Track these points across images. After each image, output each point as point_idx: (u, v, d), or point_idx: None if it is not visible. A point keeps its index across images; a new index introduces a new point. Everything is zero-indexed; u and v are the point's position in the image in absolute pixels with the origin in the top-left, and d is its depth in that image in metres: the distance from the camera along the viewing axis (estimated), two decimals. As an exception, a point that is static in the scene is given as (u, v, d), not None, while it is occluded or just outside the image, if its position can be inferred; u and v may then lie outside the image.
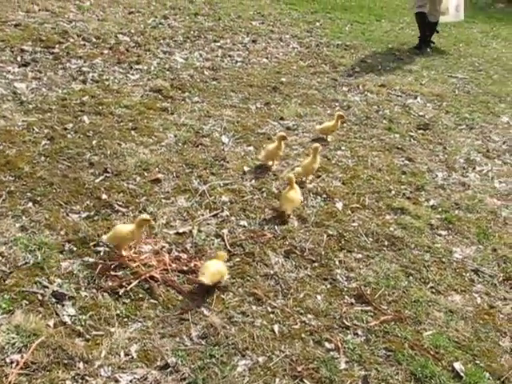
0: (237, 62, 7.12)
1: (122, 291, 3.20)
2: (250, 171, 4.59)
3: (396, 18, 11.17)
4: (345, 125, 5.72)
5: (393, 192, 4.65)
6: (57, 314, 2.99)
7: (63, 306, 3.05)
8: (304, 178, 4.57)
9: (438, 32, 9.36)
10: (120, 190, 4.09)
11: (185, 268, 3.44)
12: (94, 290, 3.19)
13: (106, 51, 6.74)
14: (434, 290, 3.61)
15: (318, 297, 3.39)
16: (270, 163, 4.68)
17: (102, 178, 4.21)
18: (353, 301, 3.41)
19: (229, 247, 3.67)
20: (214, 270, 3.26)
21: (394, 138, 5.67)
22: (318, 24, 9.66)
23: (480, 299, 3.62)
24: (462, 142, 5.85)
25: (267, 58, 7.48)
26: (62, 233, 3.58)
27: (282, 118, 5.63)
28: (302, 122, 5.66)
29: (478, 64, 8.98)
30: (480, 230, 4.33)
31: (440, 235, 4.20)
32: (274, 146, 4.61)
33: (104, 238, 3.50)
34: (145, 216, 3.47)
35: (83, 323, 2.96)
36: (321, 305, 3.33)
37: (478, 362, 3.12)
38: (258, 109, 5.81)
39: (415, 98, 6.89)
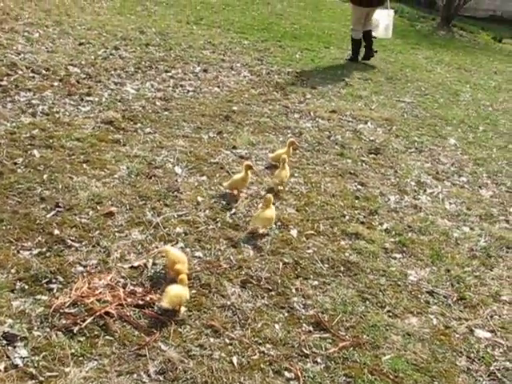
0: (188, 91, 7.13)
1: (76, 329, 3.12)
2: (203, 201, 4.57)
3: (344, 45, 11.39)
4: (297, 151, 5.78)
5: (347, 217, 4.70)
6: (7, 357, 2.89)
7: (14, 347, 2.95)
8: (280, 187, 4.85)
9: (375, 38, 10.43)
10: (72, 224, 4.02)
11: (140, 302, 3.38)
12: (48, 329, 3.10)
13: (56, 83, 6.66)
14: (390, 314, 3.65)
15: (276, 326, 3.38)
16: (236, 192, 4.68)
17: (53, 212, 4.12)
18: (311, 328, 3.41)
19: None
20: (172, 293, 3.25)
21: (347, 163, 5.75)
22: (268, 52, 9.78)
23: (436, 320, 3.68)
24: (412, 165, 5.98)
25: (219, 86, 7.52)
26: (13, 271, 3.48)
27: (234, 147, 5.65)
28: (255, 150, 5.69)
29: (424, 88, 9.25)
30: (433, 252, 4.42)
31: (395, 258, 4.26)
32: (240, 175, 4.63)
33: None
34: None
35: (36, 365, 2.87)
36: (279, 334, 3.32)
37: (436, 383, 3.16)
38: (210, 138, 5.81)
39: (366, 122, 7.03)
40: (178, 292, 3.29)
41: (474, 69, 11.86)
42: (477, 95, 9.55)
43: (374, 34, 10.11)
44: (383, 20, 10.38)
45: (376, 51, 10.34)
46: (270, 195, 4.32)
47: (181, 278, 3.35)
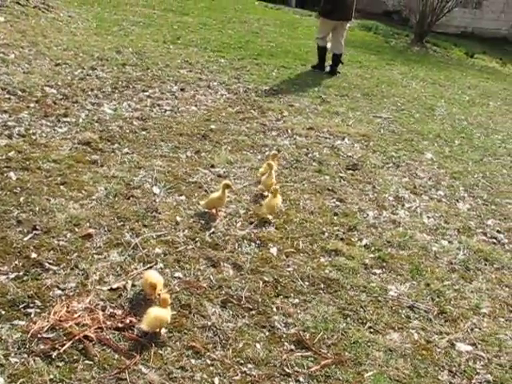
0: (166, 110, 7.12)
1: (55, 354, 3.08)
2: (182, 221, 4.55)
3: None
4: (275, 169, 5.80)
5: (326, 234, 4.71)
6: (-16, 385, 2.85)
7: (-9, 375, 2.90)
8: (266, 193, 5.11)
9: (342, 63, 10.86)
10: (50, 247, 3.97)
11: (120, 325, 3.35)
12: (25, 355, 3.05)
13: (32, 104, 6.61)
14: (372, 330, 3.65)
15: (258, 345, 3.36)
16: (214, 211, 4.67)
17: (30, 235, 4.07)
18: (292, 347, 3.40)
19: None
20: (152, 316, 3.23)
21: (325, 180, 5.77)
22: (245, 70, 9.83)
23: (417, 335, 3.69)
24: (390, 180, 6.02)
25: (196, 105, 7.52)
26: (-11, 296, 3.44)
27: (212, 166, 5.64)
28: (233, 168, 5.69)
29: (400, 104, 9.35)
30: (413, 266, 4.44)
31: (374, 274, 4.28)
32: (218, 194, 4.63)
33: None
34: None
35: (14, 392, 2.82)
36: (260, 353, 3.30)
37: (418, 399, 3.16)
38: (188, 157, 5.80)
39: (343, 139, 7.08)
40: (158, 314, 3.27)
41: (448, 84, 12.04)
42: (452, 109, 9.68)
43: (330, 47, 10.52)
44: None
45: (339, 71, 10.75)
46: (276, 186, 4.82)
47: (163, 298, 3.33)
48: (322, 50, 10.53)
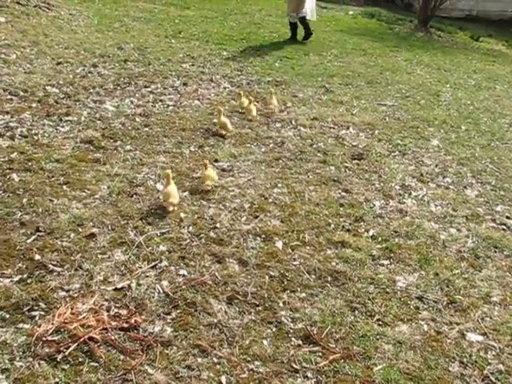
0: (168, 106, 7.07)
1: (60, 357, 3.06)
2: (186, 218, 4.51)
3: (324, 52, 11.40)
4: (280, 161, 5.75)
5: (332, 226, 4.66)
6: (-12, 390, 2.82)
7: (-4, 380, 2.88)
8: None
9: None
10: (54, 248, 3.95)
11: (125, 325, 3.32)
12: (30, 359, 3.04)
13: (34, 104, 6.58)
14: (380, 322, 3.60)
15: (265, 342, 3.32)
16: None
17: (34, 237, 4.05)
18: (300, 342, 3.36)
19: (172, 295, 3.59)
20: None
21: (330, 171, 5.71)
22: (247, 62, 9.76)
23: (427, 326, 3.64)
24: (396, 169, 5.95)
25: (199, 99, 7.47)
26: (-7, 300, 3.41)
27: (216, 160, 5.59)
28: (237, 162, 5.63)
29: (404, 91, 9.25)
30: (421, 256, 4.38)
31: (382, 265, 4.22)
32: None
33: None
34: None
35: (19, 397, 2.80)
36: (268, 350, 3.26)
37: (429, 391, 3.11)
38: (191, 152, 5.75)
39: (347, 128, 7.00)
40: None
41: (453, 68, 11.90)
42: (457, 95, 9.57)
43: (308, 17, 11.97)
44: (309, 5, 12.00)
45: (312, 32, 12.14)
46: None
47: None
48: (293, 26, 12.01)
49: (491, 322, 3.74)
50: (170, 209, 4.54)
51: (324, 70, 9.87)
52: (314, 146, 6.33)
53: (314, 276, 3.97)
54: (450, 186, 5.73)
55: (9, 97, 6.71)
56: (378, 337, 3.47)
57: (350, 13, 17.49)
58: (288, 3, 12.03)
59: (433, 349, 3.44)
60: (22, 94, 6.86)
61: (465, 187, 5.77)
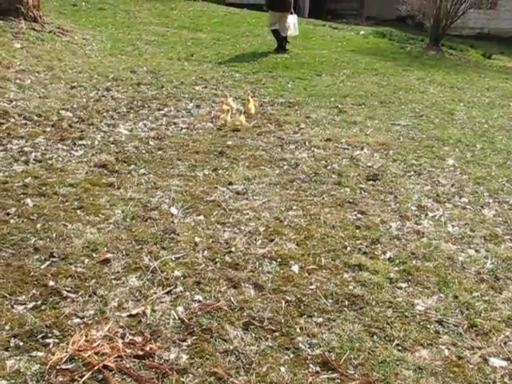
0: (182, 128, 7.09)
1: (74, 386, 3.01)
2: (201, 242, 4.46)
3: (336, 72, 11.44)
4: (294, 183, 5.71)
5: (348, 248, 4.59)
6: (2, 422, 2.78)
7: (9, 410, 2.84)
8: None
9: (289, 42, 13.26)
10: (68, 274, 3.92)
11: (140, 352, 3.27)
12: (45, 388, 2.99)
13: (48, 129, 6.62)
14: (400, 348, 3.52)
15: (282, 368, 3.25)
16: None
17: (48, 263, 4.02)
18: (318, 369, 3.28)
19: (188, 321, 3.53)
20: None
21: (345, 192, 5.66)
22: (260, 84, 9.79)
23: (447, 351, 3.55)
24: (411, 189, 5.89)
25: (212, 122, 7.48)
26: (7, 327, 3.37)
27: (230, 183, 5.56)
28: (251, 184, 5.60)
29: (418, 110, 9.21)
30: (439, 278, 4.29)
31: (400, 288, 4.14)
32: None
33: None
34: None
35: (33, 428, 2.75)
36: (285, 377, 3.19)
37: (452, 420, 3.02)
38: (205, 175, 5.73)
39: (362, 149, 6.96)
40: None
41: (466, 86, 11.87)
42: (471, 113, 9.52)
43: (288, 33, 12.91)
44: (292, 21, 12.84)
45: (287, 49, 13.08)
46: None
47: None
48: (275, 33, 12.90)
49: (514, 347, 3.64)
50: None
51: (337, 91, 9.87)
52: (329, 167, 6.29)
53: (331, 300, 3.90)
54: (467, 206, 5.66)
55: (23, 121, 6.76)
56: (397, 362, 3.39)
57: (362, 33, 17.56)
58: (270, 16, 12.97)
59: (454, 375, 3.35)
60: (36, 118, 6.91)
61: (482, 207, 5.69)
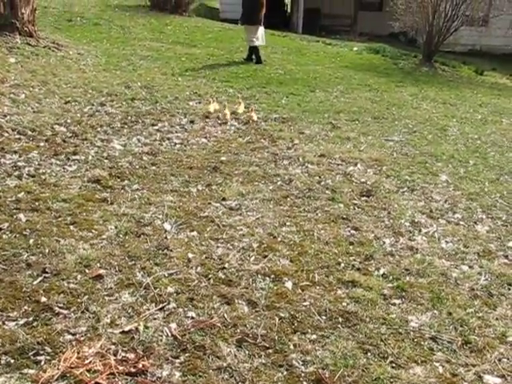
0: (175, 144, 7.09)
1: (65, 404, 2.98)
2: (194, 258, 4.45)
3: (329, 88, 11.49)
4: (288, 199, 5.71)
5: (342, 265, 4.58)
6: None
7: (-1, 429, 2.81)
8: None
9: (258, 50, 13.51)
10: (60, 290, 3.89)
11: (133, 370, 3.24)
12: (35, 407, 2.96)
13: (42, 144, 6.61)
14: (394, 365, 3.50)
15: (276, 386, 3.24)
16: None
17: (40, 279, 3.99)
18: (312, 386, 3.27)
19: (181, 338, 3.51)
20: None
21: (339, 208, 5.66)
22: (254, 99, 9.82)
23: (442, 368, 3.53)
24: (405, 205, 5.90)
25: (206, 137, 7.49)
26: (-2, 344, 3.35)
27: (224, 199, 5.55)
28: (245, 200, 5.59)
29: (411, 126, 9.26)
30: (433, 295, 4.29)
31: (394, 304, 4.13)
32: None
33: None
34: None
35: None
36: (279, 395, 3.18)
37: None
38: (199, 191, 5.72)
39: (355, 164, 6.98)
40: None
41: (458, 103, 11.95)
42: (464, 129, 9.57)
43: (257, 43, 13.29)
44: (260, 33, 13.20)
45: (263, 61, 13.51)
46: None
47: None
48: (252, 48, 13.41)
49: (509, 364, 3.62)
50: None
51: (330, 107, 9.91)
52: (322, 183, 6.29)
53: (324, 317, 3.89)
54: (461, 222, 5.67)
55: (17, 136, 6.75)
56: (391, 380, 3.37)
57: (355, 49, 17.69)
58: (246, 32, 13.57)
59: (449, 392, 3.34)
60: (30, 133, 6.89)
61: (475, 223, 5.70)
